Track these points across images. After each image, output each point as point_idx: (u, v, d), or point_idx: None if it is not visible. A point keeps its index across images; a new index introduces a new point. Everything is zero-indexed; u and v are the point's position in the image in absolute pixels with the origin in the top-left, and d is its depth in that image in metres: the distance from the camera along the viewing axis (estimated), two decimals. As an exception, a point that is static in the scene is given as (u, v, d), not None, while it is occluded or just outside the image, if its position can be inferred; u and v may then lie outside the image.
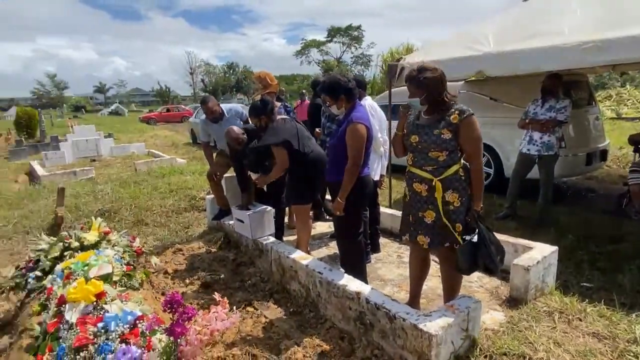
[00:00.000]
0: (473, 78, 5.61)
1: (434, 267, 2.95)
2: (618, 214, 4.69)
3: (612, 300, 2.78)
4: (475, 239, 2.29)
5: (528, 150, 4.46)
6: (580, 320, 2.58)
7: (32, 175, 9.05)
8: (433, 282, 3.12)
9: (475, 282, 3.18)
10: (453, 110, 2.28)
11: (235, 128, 3.64)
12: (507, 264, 3.06)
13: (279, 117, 3.50)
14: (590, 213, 4.79)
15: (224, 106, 4.26)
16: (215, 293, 1.93)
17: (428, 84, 2.26)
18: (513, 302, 2.82)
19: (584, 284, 3.14)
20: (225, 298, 1.89)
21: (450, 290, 2.55)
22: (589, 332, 2.45)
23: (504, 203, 4.91)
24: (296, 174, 3.38)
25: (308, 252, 3.45)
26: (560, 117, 4.24)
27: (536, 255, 2.89)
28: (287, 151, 3.27)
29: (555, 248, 3.05)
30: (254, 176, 3.68)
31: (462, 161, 2.34)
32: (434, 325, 2.09)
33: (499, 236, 3.34)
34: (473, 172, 2.32)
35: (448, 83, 2.37)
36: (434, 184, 2.34)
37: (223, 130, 4.16)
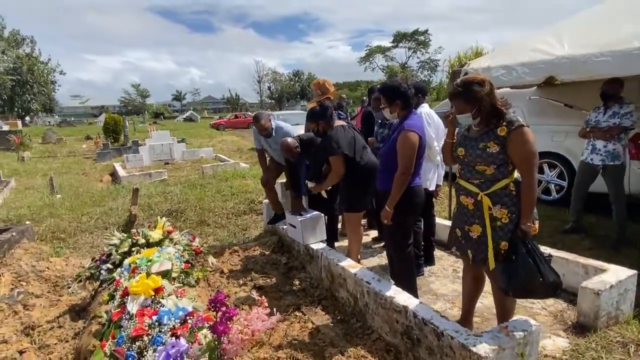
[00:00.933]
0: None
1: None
2: None
3: None
4: (514, 258, 2.12)
5: (591, 159, 4.09)
6: (662, 355, 2.28)
7: (114, 176, 9.99)
8: (490, 299, 2.93)
9: (537, 304, 2.94)
10: (502, 121, 2.13)
11: (290, 139, 3.66)
12: (574, 286, 2.81)
13: (337, 123, 3.52)
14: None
15: (276, 124, 4.27)
16: (253, 292, 1.98)
17: (477, 97, 2.12)
18: (580, 328, 2.57)
19: (671, 314, 2.77)
20: (264, 298, 1.93)
21: (503, 310, 2.38)
22: (672, 371, 2.16)
23: (570, 217, 4.50)
24: (350, 181, 3.37)
25: (358, 261, 3.43)
26: (625, 122, 3.85)
27: (610, 279, 2.61)
28: (343, 159, 3.28)
29: (634, 272, 2.73)
30: (309, 185, 3.73)
31: (514, 175, 2.18)
32: (484, 347, 1.96)
33: (567, 255, 3.10)
34: (523, 187, 2.13)
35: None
36: (479, 198, 2.21)
37: (270, 145, 4.29)
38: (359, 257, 3.55)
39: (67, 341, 2.83)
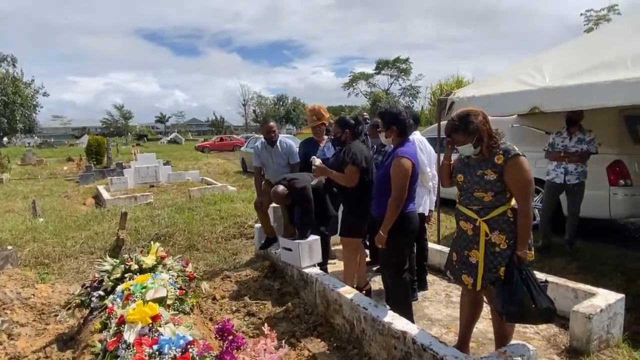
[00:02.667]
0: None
1: (487, 309, 2.82)
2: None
3: (692, 359, 2.50)
4: (510, 282, 2.17)
5: (568, 180, 4.59)
6: (653, 379, 2.34)
7: (98, 199, 9.79)
8: (484, 324, 2.98)
9: (531, 329, 2.99)
10: (499, 150, 2.24)
11: (280, 188, 3.67)
12: (565, 311, 2.88)
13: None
14: (664, 258, 4.37)
15: (282, 137, 4.50)
16: (265, 325, 1.97)
17: (477, 128, 2.23)
18: (573, 352, 2.62)
19: (658, 338, 2.85)
20: (274, 331, 1.92)
21: (501, 335, 2.42)
22: (664, 394, 2.21)
23: (539, 235, 4.77)
24: (354, 202, 3.34)
25: (352, 286, 3.43)
26: (592, 149, 4.46)
27: (599, 303, 2.69)
28: (358, 172, 3.23)
29: (621, 296, 2.82)
30: (314, 163, 3.51)
31: (512, 202, 2.26)
32: (484, 373, 1.99)
33: (557, 279, 3.18)
34: (519, 214, 2.21)
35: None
36: (478, 224, 2.28)
37: (273, 158, 4.44)
38: (353, 282, 3.55)
39: (54, 372, 2.72)
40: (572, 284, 3.08)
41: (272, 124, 4.44)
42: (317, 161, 3.46)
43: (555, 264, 4.23)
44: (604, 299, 2.75)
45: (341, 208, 3.70)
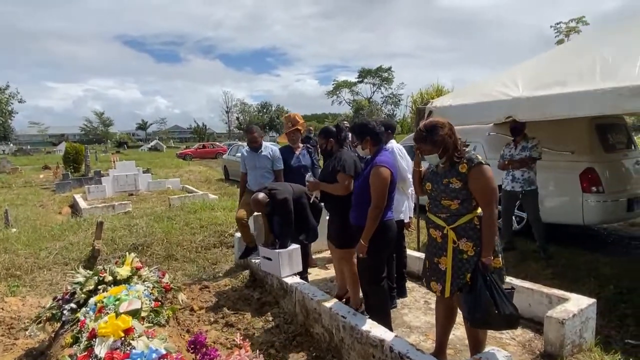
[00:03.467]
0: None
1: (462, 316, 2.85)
2: (665, 264, 4.40)
3: (660, 361, 2.58)
4: (475, 289, 2.22)
5: (513, 187, 4.87)
6: (624, 381, 2.40)
7: (74, 208, 9.55)
8: (462, 331, 2.99)
9: (506, 334, 3.03)
10: (463, 159, 2.29)
11: (261, 196, 3.66)
12: (540, 316, 2.93)
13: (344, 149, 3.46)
14: (635, 263, 4.50)
15: (265, 144, 4.56)
16: (238, 335, 1.94)
17: (442, 140, 2.29)
18: (547, 357, 2.67)
19: (629, 340, 2.94)
20: (248, 341, 1.89)
21: (475, 341, 2.46)
22: (633, 396, 2.27)
23: (503, 240, 4.84)
24: (347, 211, 3.18)
25: (358, 306, 3.31)
26: (534, 154, 4.69)
27: (572, 308, 2.75)
28: (352, 180, 3.16)
29: (593, 300, 2.89)
30: (307, 178, 3.53)
31: (479, 210, 2.31)
32: (460, 380, 2.00)
33: (531, 285, 3.24)
34: (483, 221, 2.26)
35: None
36: (446, 231, 2.33)
37: (257, 164, 4.48)
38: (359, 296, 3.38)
39: (22, 390, 2.62)
40: (546, 289, 3.14)
41: (256, 133, 4.51)
42: (310, 178, 3.51)
43: (531, 270, 4.31)
44: (577, 304, 2.81)
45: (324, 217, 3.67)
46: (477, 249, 2.26)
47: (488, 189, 2.23)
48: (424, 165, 2.67)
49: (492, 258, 2.25)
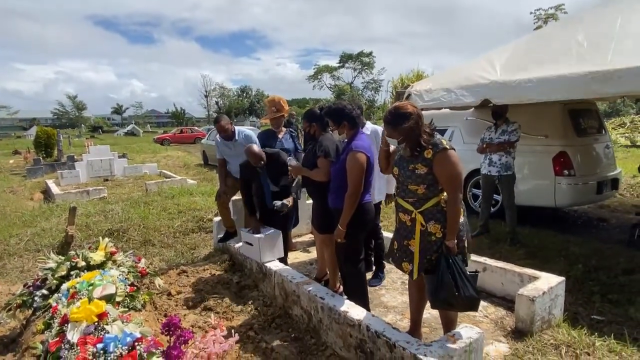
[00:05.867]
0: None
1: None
2: (631, 244, 4.60)
3: (623, 335, 2.70)
4: (438, 270, 2.27)
5: (489, 171, 4.87)
6: (589, 354, 2.52)
7: (47, 194, 9.25)
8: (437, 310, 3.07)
9: (480, 312, 3.12)
10: (429, 145, 2.28)
11: (256, 146, 3.65)
12: (512, 294, 3.03)
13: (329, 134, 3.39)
14: (602, 243, 4.69)
15: (238, 129, 4.38)
16: (212, 316, 1.93)
17: (404, 130, 2.29)
18: (518, 333, 2.76)
19: (594, 316, 3.06)
20: (222, 321, 1.89)
21: (447, 319, 2.52)
22: (597, 368, 2.38)
23: (479, 222, 5.08)
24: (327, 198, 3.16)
25: (337, 286, 3.36)
26: (512, 138, 4.66)
27: (542, 286, 2.84)
28: (330, 165, 3.11)
29: (562, 279, 3.00)
30: (290, 162, 3.47)
31: (444, 194, 2.33)
32: (434, 356, 2.05)
33: (504, 264, 3.34)
34: (447, 205, 2.28)
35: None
36: (414, 215, 2.36)
37: (233, 152, 4.30)
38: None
39: (-7, 378, 2.56)
40: (518, 268, 3.24)
41: (223, 122, 4.28)
42: (292, 162, 3.47)
43: (505, 250, 4.43)
44: (547, 283, 2.91)
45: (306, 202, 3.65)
46: (444, 230, 2.30)
47: (452, 175, 2.23)
48: (393, 146, 2.67)
49: (456, 241, 2.28)
